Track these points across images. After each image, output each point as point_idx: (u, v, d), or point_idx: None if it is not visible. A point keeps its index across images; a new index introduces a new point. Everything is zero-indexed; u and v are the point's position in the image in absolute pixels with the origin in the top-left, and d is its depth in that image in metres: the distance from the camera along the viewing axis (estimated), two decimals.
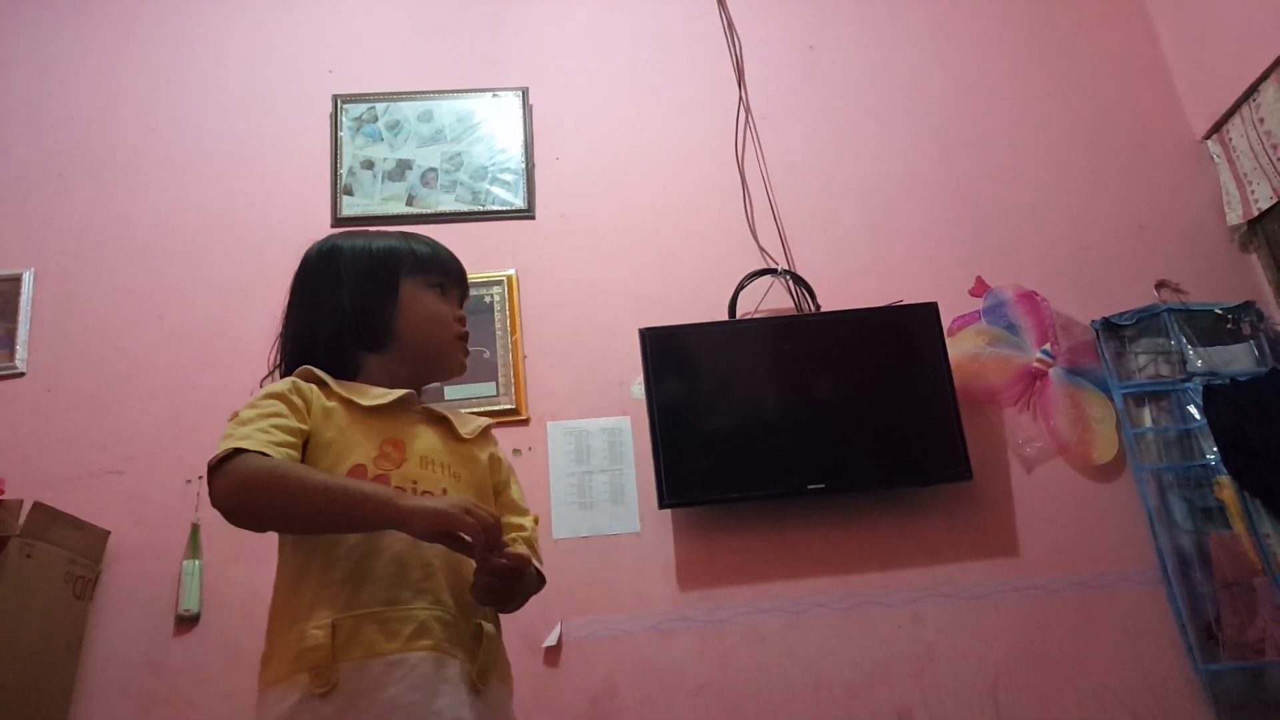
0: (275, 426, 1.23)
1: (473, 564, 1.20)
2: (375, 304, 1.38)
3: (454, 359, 1.45)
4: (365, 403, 1.31)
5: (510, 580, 1.20)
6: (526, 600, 1.33)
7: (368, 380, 1.37)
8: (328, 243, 1.46)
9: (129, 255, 2.77)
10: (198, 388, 2.62)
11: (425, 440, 1.34)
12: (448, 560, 1.25)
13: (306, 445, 1.27)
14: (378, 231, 1.50)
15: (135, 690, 2.32)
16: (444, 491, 1.29)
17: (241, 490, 1.17)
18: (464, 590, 1.24)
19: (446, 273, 1.47)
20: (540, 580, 1.40)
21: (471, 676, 1.22)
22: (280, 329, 1.45)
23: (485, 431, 1.47)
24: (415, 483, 1.28)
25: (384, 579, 1.20)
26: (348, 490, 1.17)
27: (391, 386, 1.36)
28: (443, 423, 1.40)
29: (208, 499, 2.52)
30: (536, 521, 1.49)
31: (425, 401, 1.43)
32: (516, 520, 1.43)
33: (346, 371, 1.37)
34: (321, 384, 1.33)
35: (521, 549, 1.34)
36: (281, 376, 1.38)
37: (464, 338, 1.46)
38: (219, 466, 1.18)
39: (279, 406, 1.26)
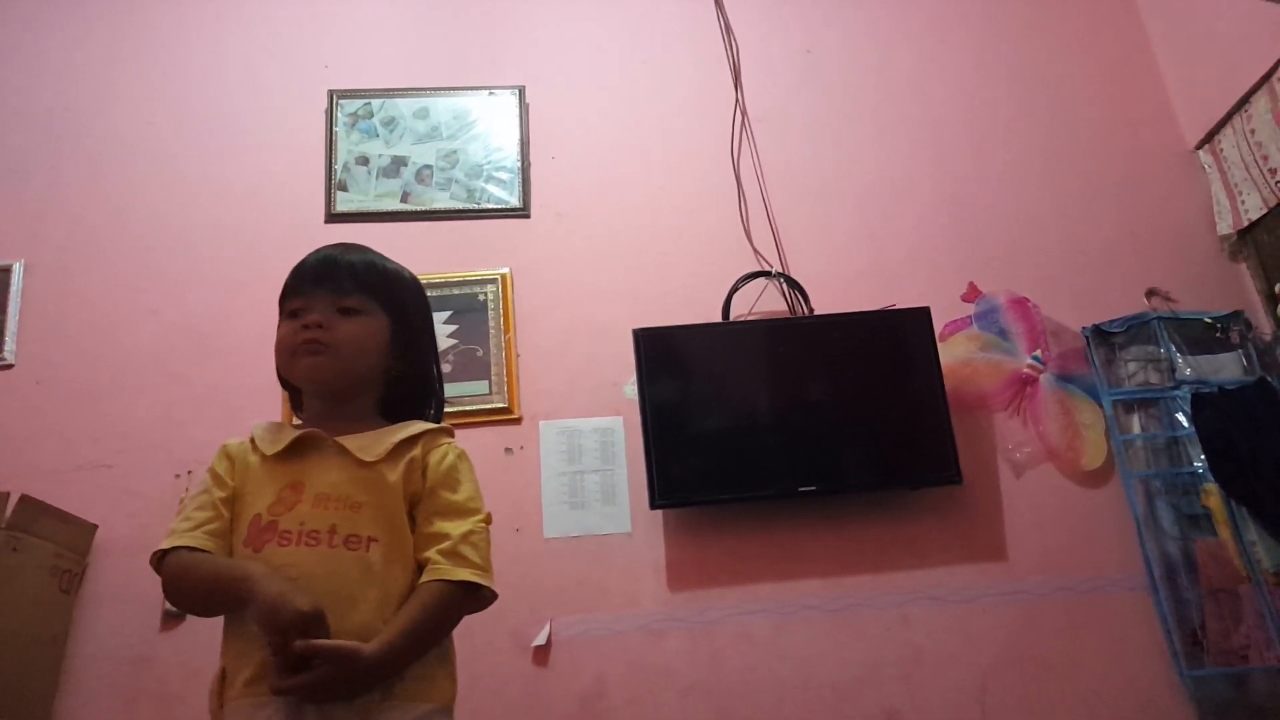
0: (198, 508, 1.36)
1: (360, 613, 1.26)
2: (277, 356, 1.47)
3: (298, 373, 1.41)
4: (269, 451, 1.38)
5: (303, 692, 1.20)
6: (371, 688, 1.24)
7: (308, 414, 1.46)
8: None
9: (122, 248, 2.76)
10: (190, 382, 2.61)
11: (327, 475, 1.35)
12: (331, 604, 1.25)
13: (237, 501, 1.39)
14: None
15: (121, 685, 2.31)
16: (332, 528, 1.30)
17: (167, 595, 1.37)
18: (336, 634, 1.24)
19: (297, 290, 1.43)
20: (473, 592, 1.33)
21: (344, 713, 1.22)
22: None
23: (405, 444, 1.39)
24: (303, 523, 1.30)
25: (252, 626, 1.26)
26: (217, 577, 1.29)
27: (319, 413, 1.44)
28: (348, 453, 1.37)
29: None
30: (488, 521, 1.40)
31: (354, 425, 1.41)
32: (439, 529, 1.35)
33: (301, 408, 1.49)
34: (257, 439, 1.42)
35: (436, 561, 1.32)
36: None
37: (305, 343, 1.39)
38: (158, 567, 1.34)
39: (207, 481, 1.40)
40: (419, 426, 1.43)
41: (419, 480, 1.38)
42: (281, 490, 1.34)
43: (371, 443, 1.37)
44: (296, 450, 1.38)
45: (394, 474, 1.36)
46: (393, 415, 1.47)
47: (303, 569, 1.26)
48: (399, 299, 1.48)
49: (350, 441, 1.37)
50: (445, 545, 1.32)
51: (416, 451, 1.39)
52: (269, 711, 1.20)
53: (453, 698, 1.34)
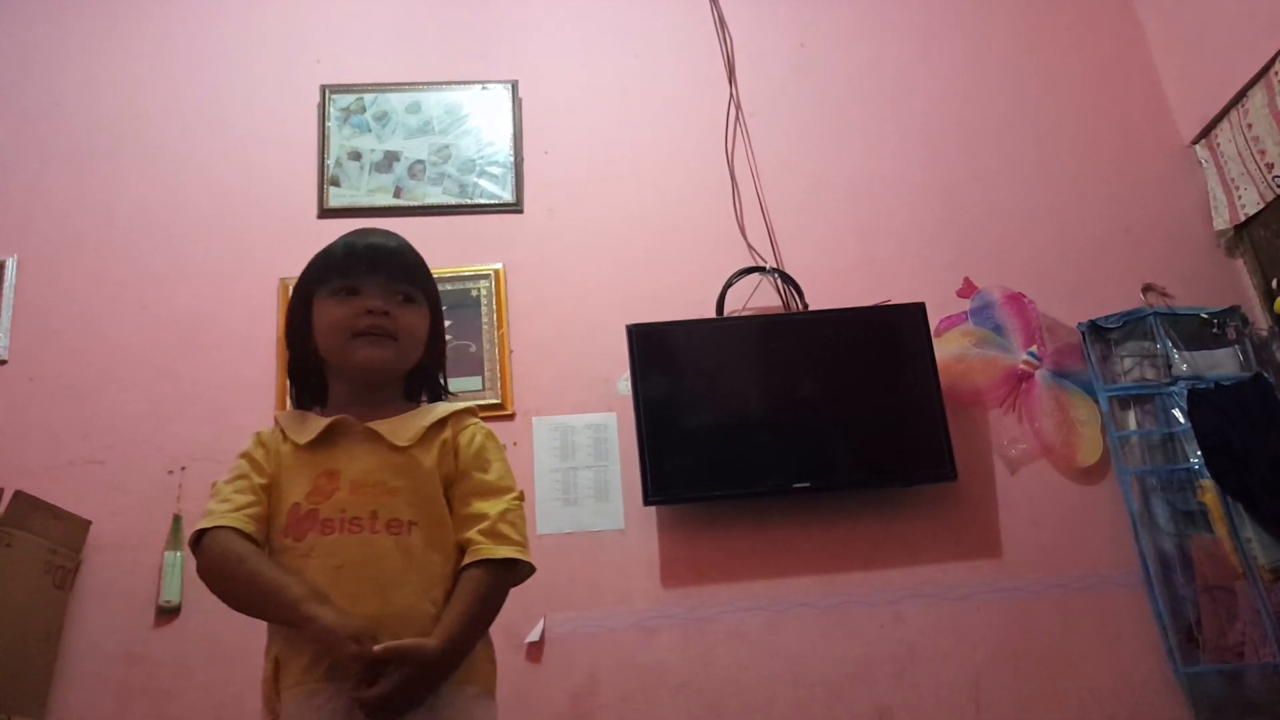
0: (237, 491, 1.35)
1: (404, 596, 1.29)
2: (297, 339, 1.46)
3: (358, 356, 1.40)
4: (301, 440, 1.38)
5: (379, 708, 1.20)
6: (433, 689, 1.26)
7: (334, 398, 1.46)
8: None
9: (111, 243, 2.75)
10: (179, 377, 2.61)
11: (361, 462, 1.36)
12: (376, 592, 1.28)
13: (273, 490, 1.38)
14: (332, 245, 1.50)
15: (114, 681, 2.31)
16: (373, 514, 1.31)
17: (204, 578, 1.33)
18: (392, 626, 1.26)
19: (347, 272, 1.42)
20: (515, 566, 1.37)
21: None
22: None
23: (435, 427, 1.42)
24: (344, 510, 1.32)
25: None
26: (264, 591, 1.27)
27: (351, 399, 1.43)
28: (380, 438, 1.39)
29: (190, 490, 2.52)
30: (521, 498, 1.43)
31: (389, 409, 1.43)
32: (476, 509, 1.37)
33: (322, 394, 1.47)
34: (285, 428, 1.42)
35: (478, 541, 1.34)
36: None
37: (368, 329, 1.40)
38: (196, 546, 1.33)
39: (244, 467, 1.39)
40: (445, 408, 1.46)
41: (451, 462, 1.40)
42: (317, 478, 1.35)
43: (402, 427, 1.40)
44: (328, 438, 1.39)
45: (428, 458, 1.38)
46: (414, 399, 1.51)
47: (346, 556, 1.28)
48: (434, 290, 1.52)
49: (381, 427, 1.39)
50: (485, 525, 1.35)
51: (447, 434, 1.42)
52: (323, 698, 1.22)
53: (494, 682, 1.37)
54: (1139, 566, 2.50)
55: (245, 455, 1.40)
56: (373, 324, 1.40)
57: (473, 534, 1.35)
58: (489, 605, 1.33)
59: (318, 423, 1.39)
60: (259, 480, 1.36)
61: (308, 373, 1.48)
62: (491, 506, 1.37)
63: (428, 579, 1.31)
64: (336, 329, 1.40)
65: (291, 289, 1.49)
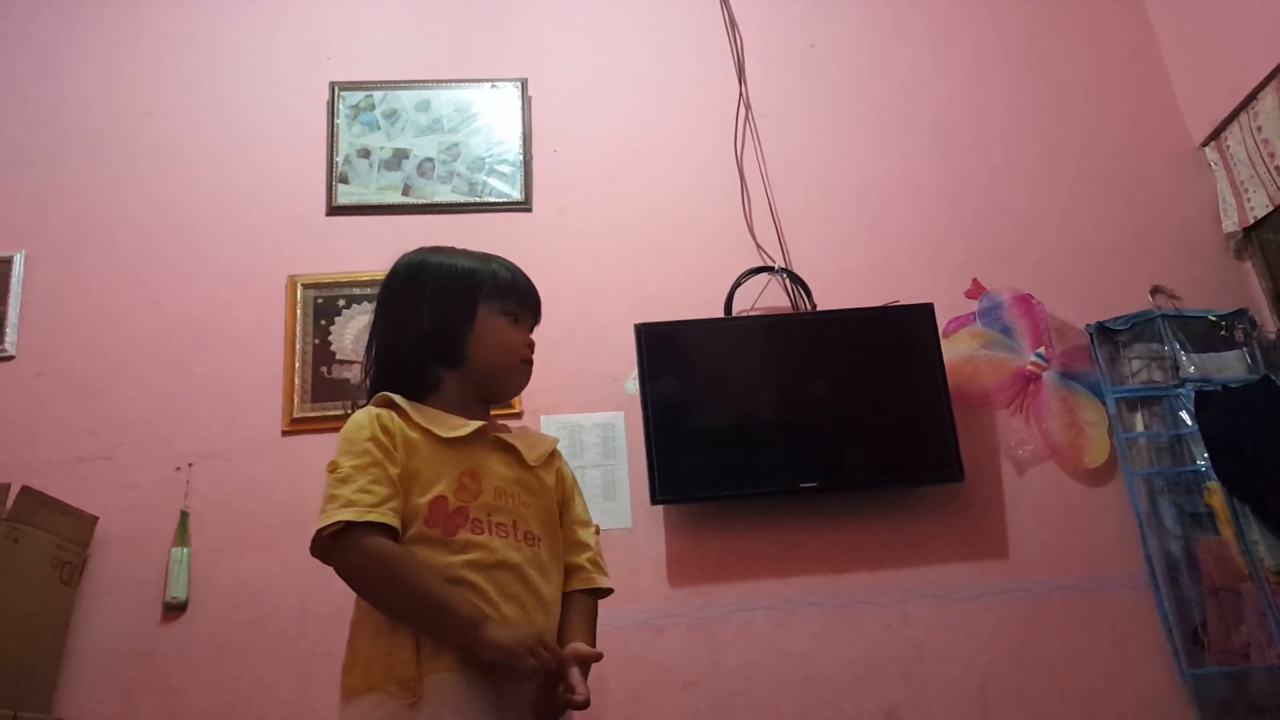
0: (375, 482, 1.28)
1: (542, 604, 1.34)
2: (453, 325, 1.44)
3: (516, 381, 1.50)
4: (443, 434, 1.36)
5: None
6: None
7: (444, 395, 1.44)
8: (416, 258, 1.51)
9: (122, 240, 2.75)
10: (190, 375, 2.61)
11: (498, 471, 1.40)
12: (526, 594, 1.33)
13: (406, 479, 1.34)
14: (462, 252, 1.53)
15: (121, 677, 2.31)
16: (514, 522, 1.35)
17: (352, 575, 1.27)
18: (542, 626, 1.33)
19: (521, 301, 1.51)
20: (607, 591, 1.50)
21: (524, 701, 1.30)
22: (369, 340, 1.51)
23: (552, 453, 1.51)
24: (490, 513, 1.34)
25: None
26: (441, 605, 1.24)
27: (463, 403, 1.44)
28: (511, 451, 1.44)
29: (197, 487, 2.51)
30: (598, 530, 1.53)
31: (494, 421, 1.48)
32: (581, 537, 1.48)
33: (425, 385, 1.44)
34: (401, 412, 1.37)
35: (589, 569, 1.46)
36: (369, 386, 1.47)
37: (528, 361, 1.51)
38: (336, 541, 1.26)
39: (375, 453, 1.30)
40: (551, 438, 1.55)
41: (559, 488, 1.50)
42: (460, 476, 1.35)
43: (531, 446, 1.46)
44: (467, 439, 1.39)
45: (550, 479, 1.48)
46: None
47: (498, 557, 1.31)
48: None
49: (515, 441, 1.44)
50: (590, 555, 1.48)
51: (559, 461, 1.53)
52: (482, 688, 1.24)
53: None
54: (1145, 568, 2.51)
55: (371, 440, 1.31)
56: (529, 357, 1.51)
57: (583, 560, 1.46)
58: (595, 629, 1.45)
59: (457, 421, 1.38)
60: (393, 470, 1.29)
61: (428, 361, 1.44)
62: (590, 537, 1.50)
63: (553, 591, 1.39)
64: (509, 349, 1.47)
65: (450, 274, 1.47)
